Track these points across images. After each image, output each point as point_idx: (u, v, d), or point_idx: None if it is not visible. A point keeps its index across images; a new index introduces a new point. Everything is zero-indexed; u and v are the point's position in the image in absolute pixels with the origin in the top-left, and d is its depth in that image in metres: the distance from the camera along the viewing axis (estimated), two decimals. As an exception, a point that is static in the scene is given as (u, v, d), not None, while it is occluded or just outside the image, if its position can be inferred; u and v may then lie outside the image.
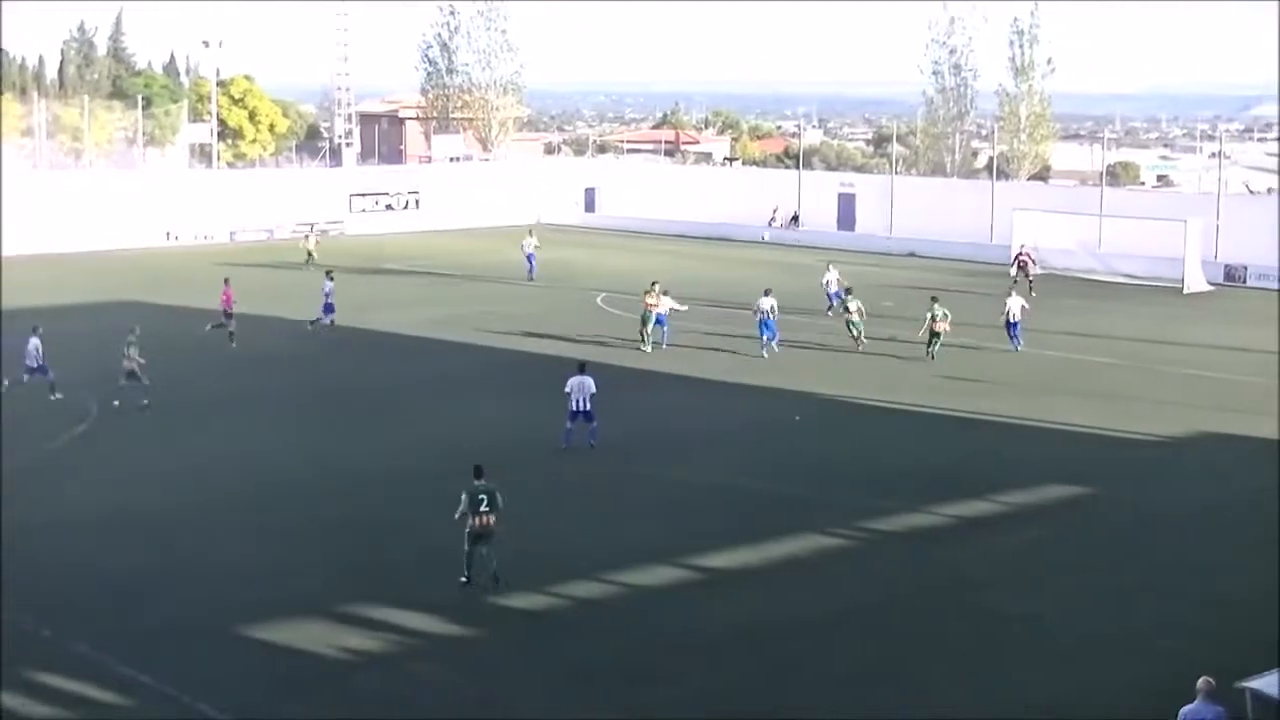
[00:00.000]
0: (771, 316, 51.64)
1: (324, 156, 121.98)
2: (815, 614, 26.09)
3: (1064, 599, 27.03)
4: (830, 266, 62.60)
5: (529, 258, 71.06)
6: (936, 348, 50.95)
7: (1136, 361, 51.49)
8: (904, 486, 34.52)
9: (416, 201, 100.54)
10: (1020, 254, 69.75)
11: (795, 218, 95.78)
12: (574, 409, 37.27)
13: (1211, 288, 71.75)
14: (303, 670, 23.58)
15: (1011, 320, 53.51)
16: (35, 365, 42.85)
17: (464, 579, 27.10)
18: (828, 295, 60.54)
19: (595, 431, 37.48)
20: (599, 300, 63.99)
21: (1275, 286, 71.76)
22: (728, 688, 23.13)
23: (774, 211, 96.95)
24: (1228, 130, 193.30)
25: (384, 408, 42.87)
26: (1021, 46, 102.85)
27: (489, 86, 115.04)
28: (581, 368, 38.22)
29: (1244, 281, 73.52)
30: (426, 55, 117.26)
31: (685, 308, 54.30)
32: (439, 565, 28.11)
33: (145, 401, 41.70)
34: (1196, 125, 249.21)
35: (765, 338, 51.60)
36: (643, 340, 51.72)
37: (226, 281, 54.59)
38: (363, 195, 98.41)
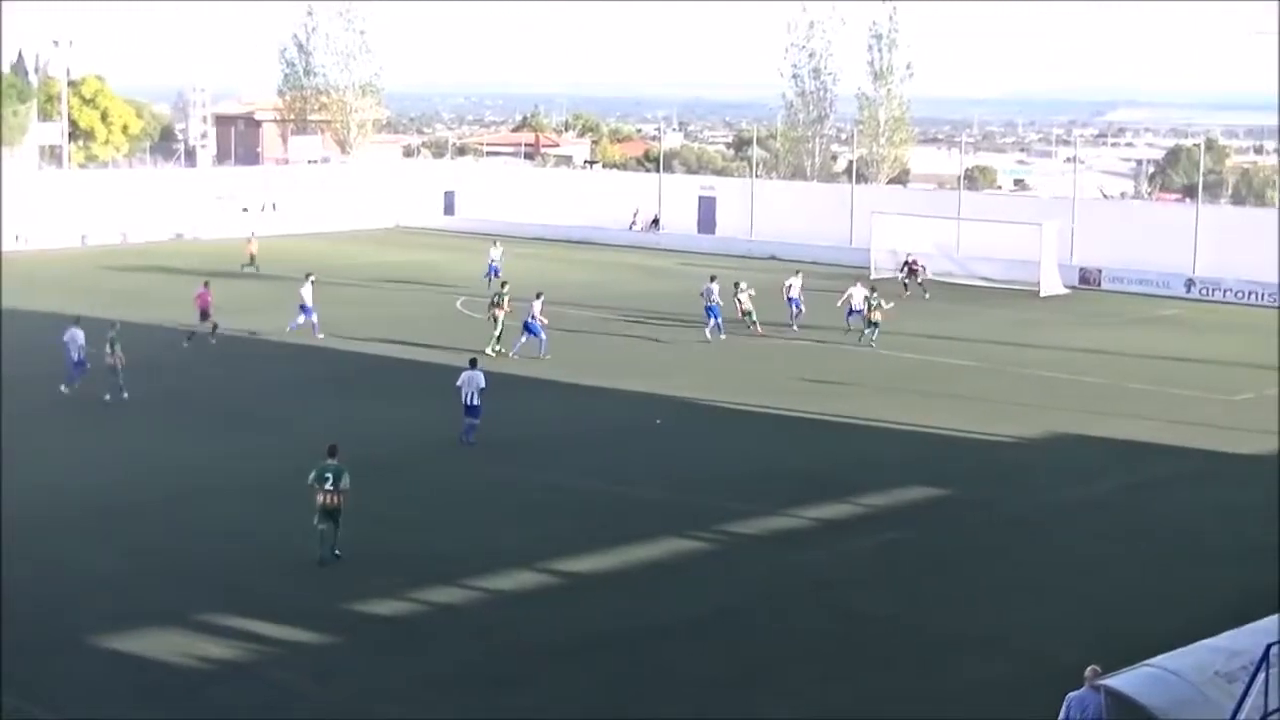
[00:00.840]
0: (717, 303, 55.47)
1: (178, 158, 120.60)
2: (678, 618, 26.20)
3: (923, 599, 27.37)
4: (797, 274, 62.29)
5: (493, 269, 68.80)
6: (875, 335, 54.71)
7: (994, 364, 52.27)
8: (764, 489, 34.76)
9: (273, 205, 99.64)
10: (908, 260, 70.42)
11: (656, 221, 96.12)
12: (465, 403, 38.12)
13: (1067, 291, 72.96)
14: (160, 681, 23.27)
15: (853, 308, 56.39)
16: (79, 359, 43.77)
17: (319, 560, 28.41)
18: (789, 300, 60.06)
19: (474, 430, 38.13)
20: (459, 304, 63.83)
21: (1129, 289, 73.25)
22: (589, 693, 23.17)
23: (634, 214, 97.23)
24: (1082, 135, 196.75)
25: (242, 414, 42.42)
26: (880, 51, 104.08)
27: (347, 88, 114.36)
28: (472, 363, 39.02)
29: (1099, 284, 74.87)
30: (284, 56, 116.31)
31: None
32: (298, 573, 27.99)
33: (107, 397, 42.91)
34: (1052, 130, 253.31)
35: (714, 321, 55.43)
36: (493, 343, 51.54)
37: (206, 284, 54.77)
38: (218, 198, 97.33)
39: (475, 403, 38.20)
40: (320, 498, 28.49)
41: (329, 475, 28.60)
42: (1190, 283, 72.71)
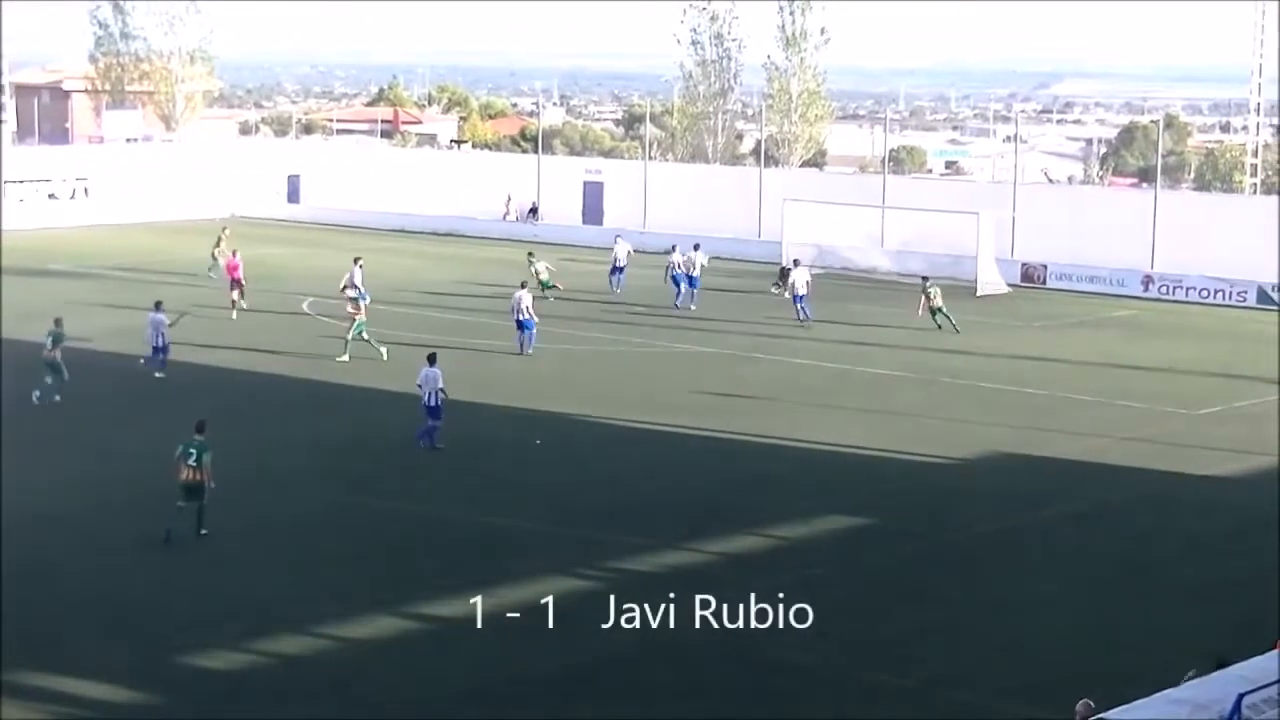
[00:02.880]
0: (695, 272, 64.79)
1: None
2: (560, 669, 26.28)
3: (842, 646, 27.59)
4: (796, 263, 64.88)
5: (618, 270, 70.37)
6: (941, 319, 60.47)
7: (923, 373, 52.74)
8: (660, 520, 34.88)
9: (86, 190, 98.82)
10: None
11: (534, 210, 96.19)
12: (425, 403, 40.27)
13: (1008, 289, 73.68)
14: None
15: (798, 294, 61.05)
16: (160, 345, 49.03)
17: (165, 536, 31.97)
18: (685, 279, 64.49)
19: (436, 432, 40.35)
20: (305, 305, 63.66)
21: (1078, 288, 74.07)
22: (459, 756, 23.22)
23: (508, 202, 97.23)
24: (1024, 111, 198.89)
25: (48, 436, 42.07)
26: (791, 13, 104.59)
27: (172, 54, 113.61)
28: (431, 359, 40.68)
29: (1043, 282, 75.66)
30: (95, 16, 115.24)
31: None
32: (115, 622, 27.82)
33: (57, 398, 45.62)
34: (990, 105, 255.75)
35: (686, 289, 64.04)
36: (345, 349, 52.08)
37: (234, 253, 63.90)
38: (19, 182, 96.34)
39: (436, 403, 40.19)
40: (183, 474, 32.12)
41: (191, 451, 32.19)
42: (1148, 280, 73.66)
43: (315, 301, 64.44)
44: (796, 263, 64.63)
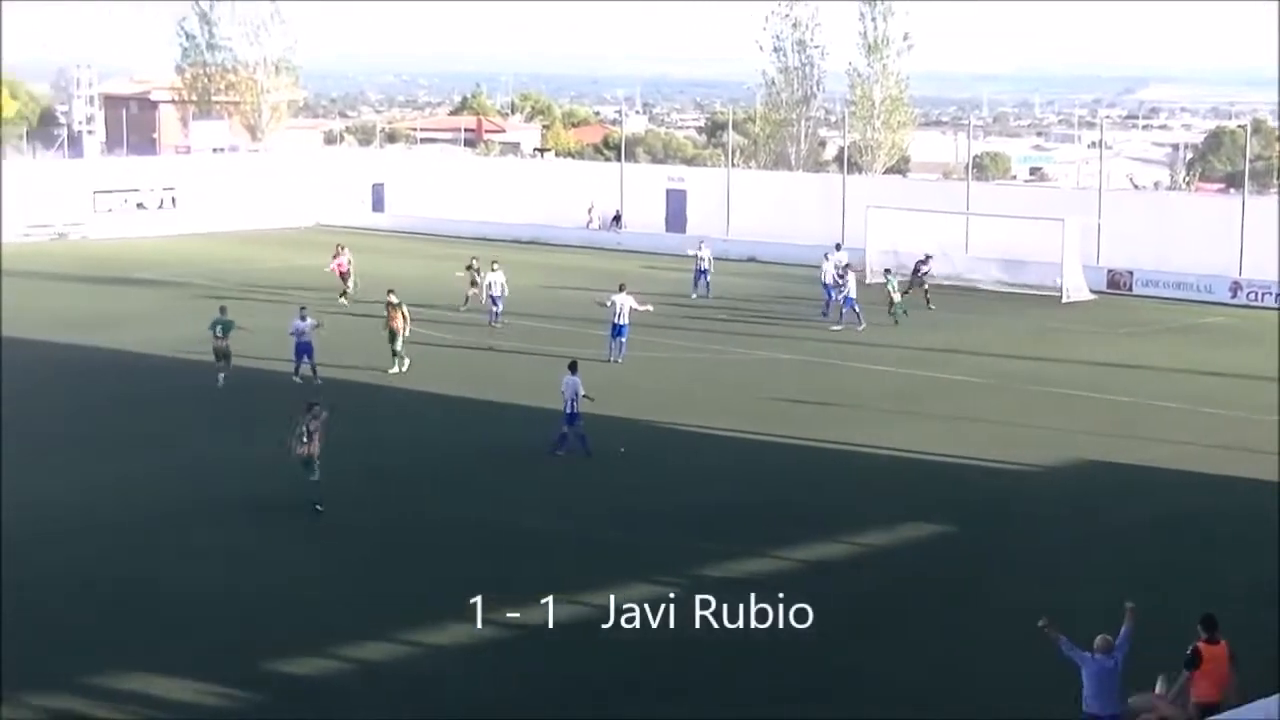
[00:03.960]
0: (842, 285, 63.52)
1: (61, 146, 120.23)
2: (643, 676, 26.18)
3: (921, 655, 27.37)
4: (832, 252, 66.26)
5: (702, 273, 70.88)
6: (899, 313, 62.02)
7: (1007, 380, 52.41)
8: (742, 527, 34.85)
9: (173, 199, 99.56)
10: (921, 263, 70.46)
11: (617, 218, 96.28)
12: (567, 411, 40.53)
13: (1093, 296, 73.18)
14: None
15: (848, 295, 61.87)
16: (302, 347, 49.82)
17: (314, 509, 35.02)
18: (825, 286, 65.04)
19: (574, 440, 40.63)
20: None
21: (1164, 294, 73.51)
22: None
23: (590, 210, 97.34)
24: (1109, 116, 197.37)
25: (127, 444, 42.37)
26: (874, 19, 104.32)
27: (258, 64, 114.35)
28: (572, 367, 40.88)
29: (1129, 289, 75.09)
30: (182, 27, 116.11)
31: (649, 307, 55.78)
32: (198, 624, 27.96)
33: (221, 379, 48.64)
34: (1074, 111, 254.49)
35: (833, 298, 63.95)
36: (394, 360, 52.12)
37: (340, 247, 68.17)
38: (108, 192, 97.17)
39: (573, 410, 40.54)
40: (301, 450, 35.22)
41: (302, 430, 35.30)
42: (1235, 286, 73.04)
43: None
44: (849, 267, 64.55)
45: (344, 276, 67.61)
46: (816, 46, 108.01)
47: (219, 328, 49.16)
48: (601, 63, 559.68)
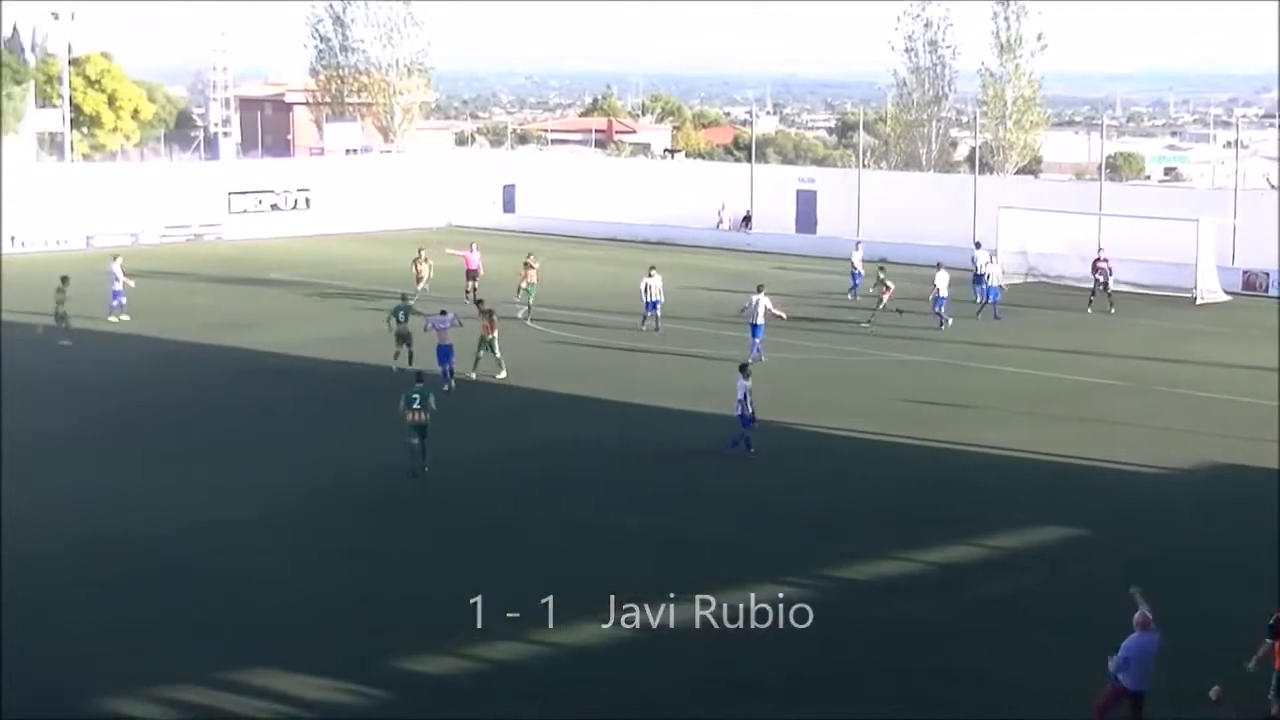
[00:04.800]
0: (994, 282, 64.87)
1: (197, 148, 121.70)
2: (771, 679, 26.15)
3: (1055, 658, 27.20)
4: (938, 265, 65.53)
5: (854, 275, 70.56)
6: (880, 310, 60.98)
7: (1140, 382, 51.91)
8: (869, 528, 34.83)
9: (306, 200, 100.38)
10: (1098, 260, 69.68)
11: (747, 218, 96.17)
12: (740, 413, 40.65)
13: (1228, 298, 72.34)
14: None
15: (939, 295, 61.33)
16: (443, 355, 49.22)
17: (410, 471, 37.74)
18: (934, 301, 63.46)
19: (749, 441, 40.67)
20: (519, 314, 64.01)
21: (1301, 296, 72.57)
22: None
23: (721, 211, 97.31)
24: (1245, 116, 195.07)
25: (254, 443, 42.90)
26: (1007, 19, 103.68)
27: (390, 66, 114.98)
28: (743, 369, 41.23)
29: (1265, 290, 74.12)
30: (317, 30, 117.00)
31: (782, 314, 55.99)
32: (324, 622, 28.21)
33: (402, 366, 49.78)
34: (1209, 110, 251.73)
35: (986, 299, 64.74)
36: (475, 365, 51.55)
37: (473, 245, 68.78)
38: (243, 193, 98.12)
39: (741, 411, 40.64)
40: (410, 416, 37.88)
41: (415, 397, 38.06)
42: (1373, 288, 71.99)
43: (530, 310, 64.77)
44: (939, 265, 64.20)
45: (472, 275, 67.27)
46: (948, 46, 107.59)
47: (400, 313, 51.66)
48: (732, 64, 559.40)
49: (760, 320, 54.01)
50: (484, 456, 41.03)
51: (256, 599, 29.91)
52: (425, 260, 67.51)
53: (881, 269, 64.52)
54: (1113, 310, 66.12)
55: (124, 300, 62.64)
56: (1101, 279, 67.74)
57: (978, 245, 70.58)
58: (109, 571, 31.59)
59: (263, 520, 35.36)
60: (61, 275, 58.12)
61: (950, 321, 61.54)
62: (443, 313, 50.48)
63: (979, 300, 65.80)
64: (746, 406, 40.62)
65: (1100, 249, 70.58)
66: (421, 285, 66.16)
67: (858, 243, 71.89)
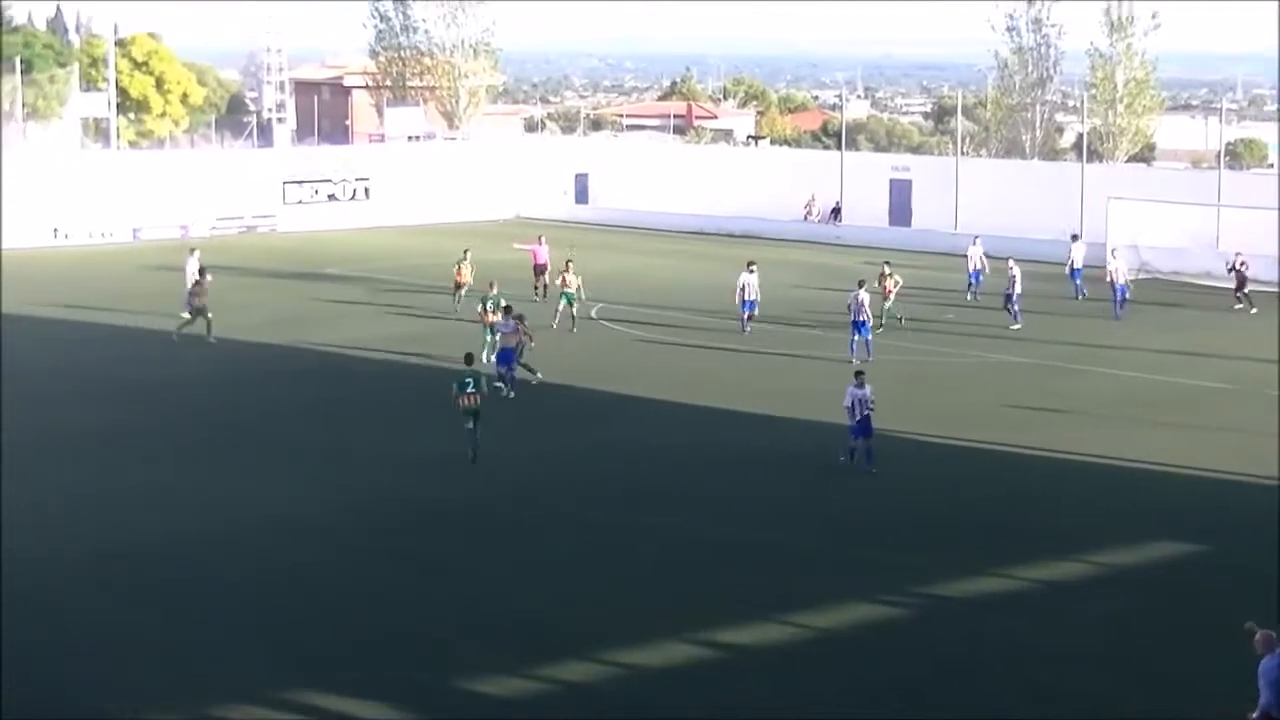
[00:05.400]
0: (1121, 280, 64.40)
1: (250, 134, 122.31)
2: (857, 701, 26.19)
3: (1162, 685, 27.13)
4: (976, 241, 67.40)
5: (975, 275, 69.78)
6: (889, 310, 59.98)
7: (1251, 385, 51.43)
8: (967, 542, 34.78)
9: (365, 190, 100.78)
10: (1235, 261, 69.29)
11: (836, 210, 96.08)
12: (853, 424, 40.11)
13: (1354, 294, 71.75)
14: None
15: (1011, 292, 62.00)
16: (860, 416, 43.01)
17: (471, 459, 39.77)
18: (1005, 298, 63.44)
19: (870, 455, 40.00)
20: (593, 313, 64.13)
21: None
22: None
23: (809, 202, 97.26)
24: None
25: (309, 446, 43.19)
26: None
27: (455, 47, 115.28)
28: (858, 376, 40.45)
29: (1398, 288, 73.44)
30: (377, 9, 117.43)
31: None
32: (387, 642, 28.37)
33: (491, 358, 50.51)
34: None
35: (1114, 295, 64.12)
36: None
37: (540, 238, 68.36)
38: (298, 183, 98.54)
39: (865, 420, 40.11)
40: (463, 401, 39.69)
41: (468, 380, 39.90)
42: None
43: (605, 308, 64.87)
44: (1011, 263, 64.01)
45: (540, 270, 67.06)
46: (1054, 25, 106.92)
47: (489, 302, 53.42)
48: (821, 44, 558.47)
49: (865, 317, 54.23)
50: (559, 461, 41.19)
51: (307, 608, 30.09)
52: (467, 261, 65.25)
53: (887, 262, 63.36)
54: (1253, 310, 65.95)
55: None
56: (1240, 278, 67.50)
57: (1074, 238, 70.56)
58: (147, 576, 31.89)
59: (319, 526, 35.60)
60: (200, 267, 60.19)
61: (1019, 321, 61.53)
62: (506, 309, 50.65)
63: (1077, 296, 66.32)
64: (855, 414, 40.10)
65: (1237, 253, 69.76)
66: (462, 293, 63.25)
67: (976, 237, 70.73)
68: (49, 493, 37.97)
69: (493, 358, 49.93)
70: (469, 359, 41.49)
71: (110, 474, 39.95)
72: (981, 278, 68.62)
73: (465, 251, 66.25)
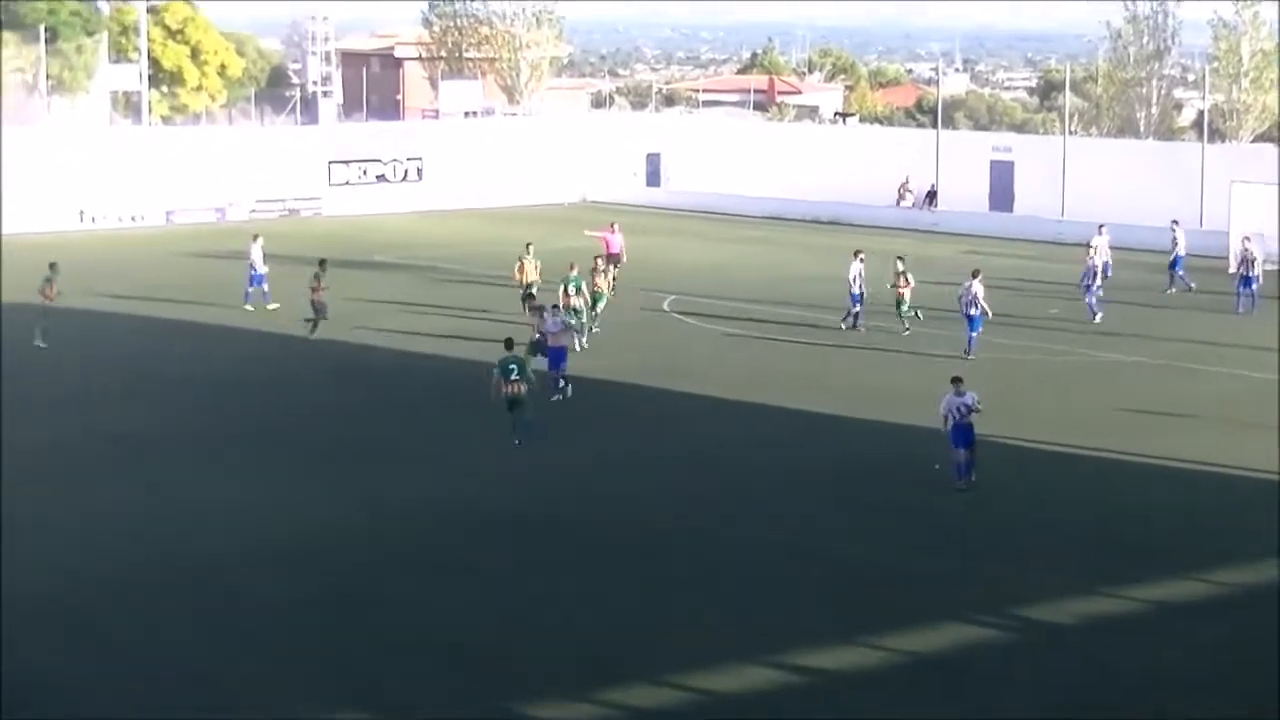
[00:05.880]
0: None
1: (293, 110, 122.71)
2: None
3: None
4: (1102, 230, 67.55)
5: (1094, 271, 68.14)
6: (905, 311, 58.18)
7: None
8: (1074, 558, 34.58)
9: (418, 171, 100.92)
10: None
11: (931, 194, 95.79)
12: (951, 433, 39.42)
13: None
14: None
15: (1090, 284, 61.54)
16: None
17: (516, 441, 41.53)
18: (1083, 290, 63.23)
19: (971, 467, 39.37)
20: (665, 305, 64.10)
21: None
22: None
23: (902, 186, 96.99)
24: None
25: (361, 451, 43.29)
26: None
27: (516, 16, 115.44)
28: (957, 383, 39.64)
29: None
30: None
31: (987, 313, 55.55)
32: (443, 660, 28.39)
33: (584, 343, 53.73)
34: None
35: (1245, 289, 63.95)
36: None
37: (613, 225, 67.60)
38: (345, 163, 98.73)
39: (965, 429, 39.46)
40: (506, 389, 41.20)
41: (512, 367, 41.34)
42: None
43: (678, 300, 64.81)
44: (1090, 245, 63.58)
45: (613, 260, 65.85)
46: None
47: (571, 285, 54.55)
48: (915, 13, 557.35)
49: (976, 311, 54.24)
50: (626, 468, 41.13)
51: (354, 623, 30.15)
52: (530, 256, 61.26)
53: (900, 258, 60.69)
54: None
55: (266, 286, 63.74)
56: None
57: (1175, 224, 70.34)
58: (180, 593, 31.97)
59: (373, 535, 35.68)
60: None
61: (1099, 315, 61.28)
62: (555, 307, 50.66)
63: (1172, 289, 66.84)
64: (949, 422, 39.51)
65: None
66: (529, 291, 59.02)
67: (1101, 226, 69.77)
68: (58, 509, 38.12)
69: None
70: (509, 344, 42.54)
71: (144, 482, 40.12)
72: (1110, 270, 67.73)
73: (528, 246, 62.40)
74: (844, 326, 58.94)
